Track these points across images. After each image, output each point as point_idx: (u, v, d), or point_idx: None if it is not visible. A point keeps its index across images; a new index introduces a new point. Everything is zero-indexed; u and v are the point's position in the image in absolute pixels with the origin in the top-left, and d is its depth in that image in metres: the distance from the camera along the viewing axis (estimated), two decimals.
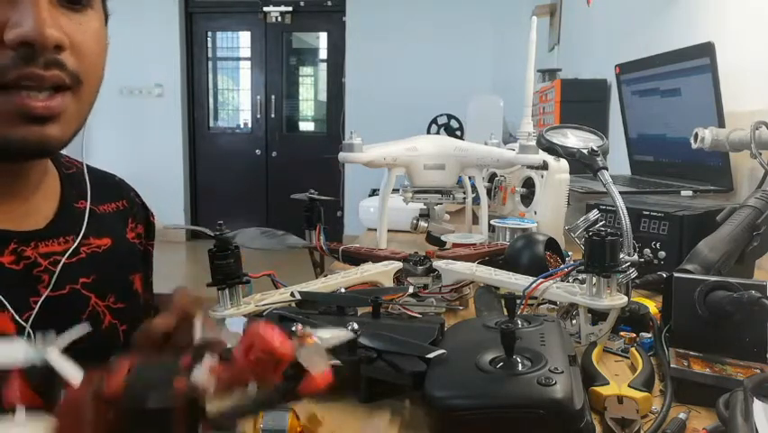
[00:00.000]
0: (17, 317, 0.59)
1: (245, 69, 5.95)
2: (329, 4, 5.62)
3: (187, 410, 0.32)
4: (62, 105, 0.56)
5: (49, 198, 0.68)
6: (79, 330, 0.38)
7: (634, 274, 0.70)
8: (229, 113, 6.14)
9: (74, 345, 0.36)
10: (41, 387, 0.35)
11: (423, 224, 1.27)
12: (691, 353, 0.60)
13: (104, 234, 0.71)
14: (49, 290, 0.62)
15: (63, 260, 0.64)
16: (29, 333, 0.59)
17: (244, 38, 5.90)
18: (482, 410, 0.47)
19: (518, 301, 0.69)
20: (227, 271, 0.63)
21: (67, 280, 0.64)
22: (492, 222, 1.14)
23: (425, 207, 1.27)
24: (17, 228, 0.62)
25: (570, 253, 0.96)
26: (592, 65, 2.81)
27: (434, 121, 4.51)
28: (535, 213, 1.19)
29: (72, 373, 0.34)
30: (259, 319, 0.33)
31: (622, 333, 0.69)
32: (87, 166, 0.74)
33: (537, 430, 0.46)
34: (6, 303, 0.58)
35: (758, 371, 0.56)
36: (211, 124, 6.01)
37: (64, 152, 0.66)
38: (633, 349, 0.65)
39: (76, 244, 0.66)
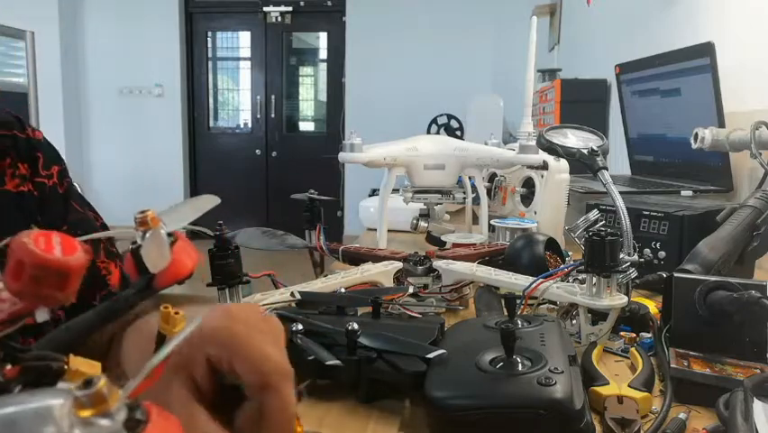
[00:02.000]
0: None
1: (245, 69, 5.95)
2: (329, 4, 5.62)
3: None
4: None
5: None
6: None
7: (634, 274, 0.70)
8: (229, 113, 6.14)
9: None
10: None
11: (423, 224, 1.27)
12: (691, 353, 0.60)
13: None
14: None
15: None
16: None
17: (244, 38, 5.90)
18: (482, 410, 0.47)
19: (518, 301, 0.69)
20: (227, 271, 0.63)
21: None
22: (492, 222, 1.14)
23: (425, 207, 1.27)
24: None
25: (570, 253, 0.96)
26: (592, 65, 2.81)
27: (434, 121, 4.51)
28: (535, 213, 1.19)
29: None
30: (27, 230, 0.27)
31: (622, 333, 0.69)
32: None
33: (537, 430, 0.46)
34: None
35: (758, 371, 0.56)
36: (211, 124, 6.02)
37: None
38: (633, 349, 0.65)
39: None
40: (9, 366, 0.27)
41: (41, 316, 0.28)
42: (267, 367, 0.35)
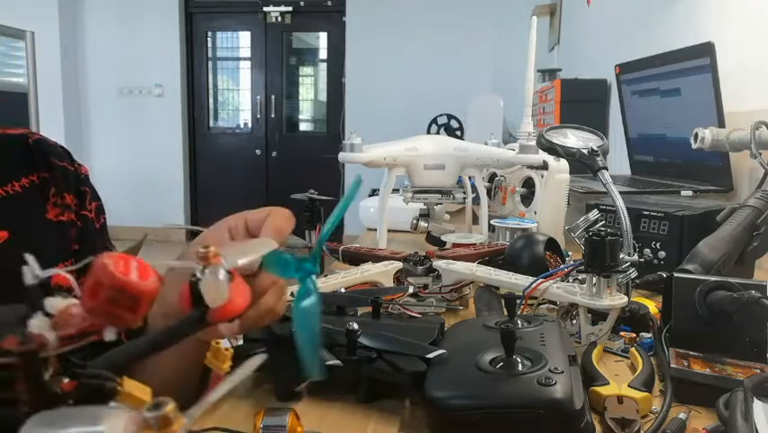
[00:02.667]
0: None
1: (245, 69, 5.95)
2: (329, 4, 5.62)
3: (27, 366, 0.28)
4: None
5: None
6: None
7: (634, 274, 0.70)
8: (229, 113, 6.14)
9: None
10: None
11: (423, 224, 1.27)
12: (691, 353, 0.60)
13: None
14: None
15: None
16: None
17: (244, 38, 5.90)
18: (482, 410, 0.47)
19: (518, 301, 0.69)
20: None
21: None
22: (492, 222, 1.14)
23: (425, 207, 1.27)
24: None
25: (570, 253, 0.96)
26: (592, 65, 2.81)
27: (434, 121, 4.51)
28: (535, 213, 1.19)
29: None
30: (108, 252, 0.30)
31: (622, 333, 0.69)
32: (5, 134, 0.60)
33: (537, 430, 0.46)
34: None
35: (758, 371, 0.56)
36: (211, 124, 6.02)
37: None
38: (633, 349, 0.65)
39: None
40: (67, 380, 0.29)
41: (109, 335, 0.29)
42: (268, 210, 0.49)
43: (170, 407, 0.24)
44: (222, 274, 0.33)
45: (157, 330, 0.32)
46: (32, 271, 0.29)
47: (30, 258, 0.29)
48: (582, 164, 0.82)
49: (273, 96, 5.87)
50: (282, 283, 0.45)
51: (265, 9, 5.69)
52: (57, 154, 0.64)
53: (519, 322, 0.60)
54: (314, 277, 0.39)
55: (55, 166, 0.63)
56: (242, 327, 0.44)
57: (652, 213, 0.94)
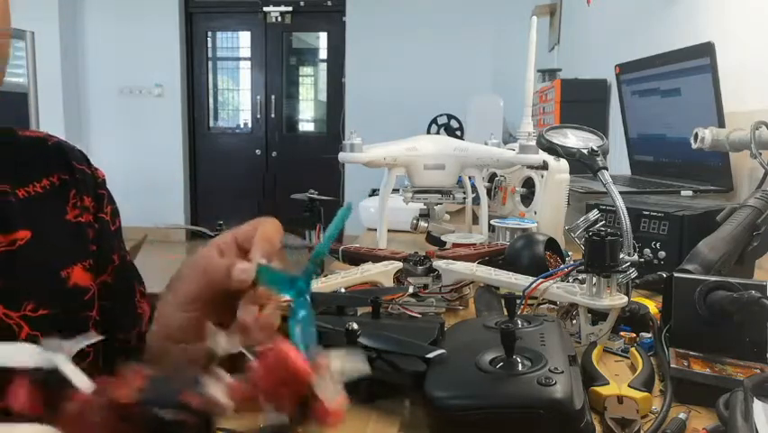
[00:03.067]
0: None
1: (245, 69, 5.95)
2: (329, 4, 5.62)
3: (199, 426, 0.31)
4: None
5: None
6: (89, 338, 0.36)
7: (634, 274, 0.70)
8: (229, 113, 6.14)
9: None
10: (47, 393, 0.33)
11: (423, 224, 1.27)
12: (691, 353, 0.60)
13: (19, 227, 0.57)
14: None
15: None
16: None
17: (244, 38, 5.90)
18: (482, 410, 0.47)
19: (518, 301, 0.69)
20: None
21: None
22: (492, 222, 1.14)
23: (425, 207, 1.27)
24: None
25: (570, 253, 0.96)
26: (592, 65, 2.81)
27: (434, 121, 4.51)
28: (535, 213, 1.19)
29: (81, 380, 0.32)
30: (281, 339, 0.33)
31: (622, 333, 0.69)
32: (6, 134, 0.62)
33: (537, 430, 0.46)
34: None
35: (758, 371, 0.56)
36: (211, 124, 6.02)
37: None
38: (633, 349, 0.65)
39: None
40: None
41: (270, 412, 0.33)
42: (256, 222, 0.49)
43: None
44: (335, 380, 0.35)
45: (263, 429, 0.34)
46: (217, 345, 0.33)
47: (218, 335, 0.33)
48: (582, 164, 0.82)
49: (273, 96, 5.87)
50: (276, 297, 0.47)
51: (265, 9, 5.69)
52: (76, 157, 0.66)
53: (519, 322, 0.60)
54: (307, 296, 0.41)
55: (75, 168, 0.65)
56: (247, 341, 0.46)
57: (652, 213, 0.94)
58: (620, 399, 0.53)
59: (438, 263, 0.83)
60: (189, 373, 0.33)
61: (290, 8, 5.67)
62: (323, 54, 5.90)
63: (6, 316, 0.54)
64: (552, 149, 0.85)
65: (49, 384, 0.33)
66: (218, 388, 0.31)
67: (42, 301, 0.56)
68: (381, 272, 0.82)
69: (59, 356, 0.33)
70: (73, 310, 0.60)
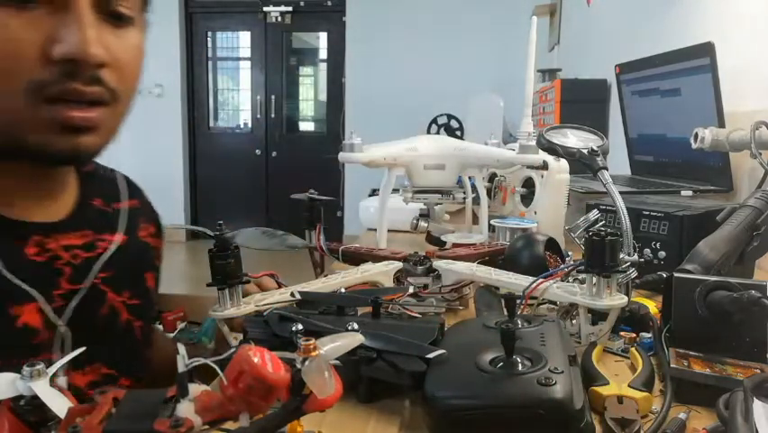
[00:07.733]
0: (47, 311, 0.61)
1: (245, 69, 5.95)
2: (329, 4, 5.62)
3: None
4: (99, 118, 0.58)
5: (68, 194, 0.71)
6: (74, 354, 0.39)
7: (634, 274, 0.70)
8: (229, 113, 6.14)
9: (96, 344, 0.35)
10: (30, 420, 0.34)
11: (423, 224, 1.27)
12: (691, 353, 0.60)
13: (118, 232, 0.73)
14: (74, 283, 0.64)
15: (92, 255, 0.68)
16: (58, 327, 0.62)
17: (244, 38, 5.90)
18: (482, 410, 0.47)
19: (518, 301, 0.69)
20: (227, 272, 0.63)
21: (86, 274, 0.66)
22: (492, 222, 1.14)
23: (425, 207, 1.27)
24: (38, 220, 0.64)
25: (570, 253, 0.96)
26: (592, 65, 2.81)
27: (434, 121, 4.50)
28: (535, 213, 1.19)
29: (59, 406, 0.33)
30: (247, 344, 0.33)
31: (622, 333, 0.69)
32: (104, 167, 0.78)
33: (537, 430, 0.46)
34: (37, 295, 0.60)
35: (758, 371, 0.56)
36: (211, 124, 6.02)
37: None
38: (633, 349, 0.65)
39: (93, 239, 0.69)
40: None
41: (244, 420, 0.32)
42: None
43: None
44: (328, 366, 0.35)
45: (255, 422, 0.33)
46: (183, 359, 0.32)
47: (181, 348, 0.33)
48: (582, 164, 0.81)
49: (273, 96, 5.87)
50: None
51: (265, 9, 5.69)
52: (140, 190, 0.83)
53: (519, 322, 0.60)
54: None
55: (144, 199, 0.82)
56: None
57: (652, 213, 0.94)
58: (620, 399, 0.53)
59: (438, 263, 0.83)
60: (158, 393, 0.33)
61: (290, 8, 5.67)
62: (323, 54, 5.89)
63: (114, 299, 0.69)
64: (552, 149, 0.85)
65: (29, 412, 0.34)
66: (186, 405, 0.31)
67: (134, 293, 0.72)
68: (381, 272, 0.82)
69: (38, 383, 0.34)
70: (149, 306, 0.76)
